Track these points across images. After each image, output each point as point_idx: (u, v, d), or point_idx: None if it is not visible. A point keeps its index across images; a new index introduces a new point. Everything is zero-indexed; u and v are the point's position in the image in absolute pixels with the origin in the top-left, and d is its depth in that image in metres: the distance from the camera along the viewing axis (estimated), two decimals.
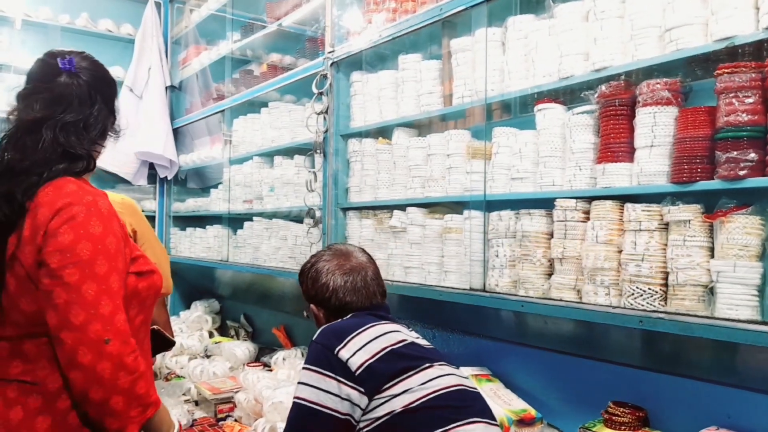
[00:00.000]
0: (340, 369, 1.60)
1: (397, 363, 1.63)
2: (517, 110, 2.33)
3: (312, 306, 1.93)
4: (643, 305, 1.77)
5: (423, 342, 1.80)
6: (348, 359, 1.61)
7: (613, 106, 1.94)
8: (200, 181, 5.04)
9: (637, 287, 1.79)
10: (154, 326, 1.80)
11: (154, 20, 5.10)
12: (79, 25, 4.96)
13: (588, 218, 1.98)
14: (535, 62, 2.19)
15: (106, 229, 1.36)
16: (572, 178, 2.04)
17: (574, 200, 2.00)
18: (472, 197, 2.34)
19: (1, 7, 4.64)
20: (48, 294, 1.30)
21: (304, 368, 1.67)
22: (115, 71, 5.02)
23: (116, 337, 1.30)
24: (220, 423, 3.19)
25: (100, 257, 1.32)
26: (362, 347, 1.63)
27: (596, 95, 2.00)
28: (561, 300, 1.98)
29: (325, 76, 3.11)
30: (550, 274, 2.08)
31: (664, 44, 1.84)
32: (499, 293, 2.17)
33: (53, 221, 1.32)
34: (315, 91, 3.12)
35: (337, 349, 1.64)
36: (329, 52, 3.11)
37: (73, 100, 1.47)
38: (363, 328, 1.69)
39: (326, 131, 3.10)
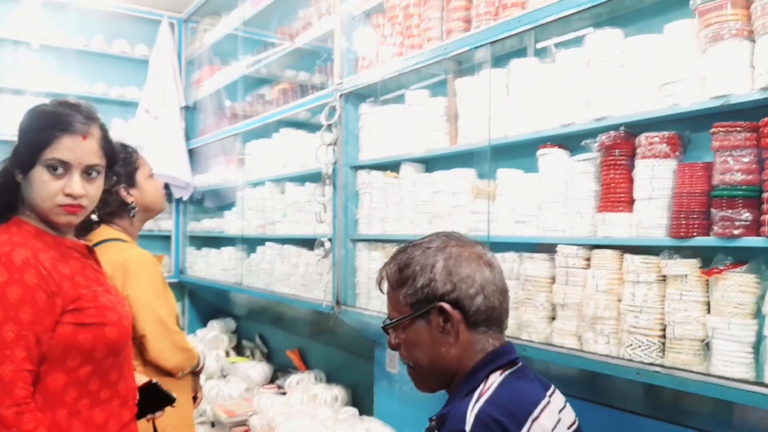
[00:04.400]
0: None
1: None
2: (521, 152, 2.36)
3: (445, 307, 1.31)
4: (641, 356, 1.80)
5: (573, 417, 1.38)
6: None
7: (613, 156, 1.97)
8: (217, 200, 5.10)
9: (635, 338, 1.82)
10: (154, 380, 1.80)
11: (169, 40, 5.16)
12: (95, 48, 5.05)
13: (589, 265, 2.01)
14: (537, 107, 2.22)
15: (11, 280, 1.39)
16: (573, 224, 2.07)
17: (575, 247, 2.04)
18: (476, 238, 2.37)
19: (19, 31, 4.74)
20: None
21: None
22: (130, 92, 5.14)
23: None
24: None
25: None
26: None
27: (597, 144, 2.02)
28: (562, 347, 2.01)
29: (334, 108, 3.16)
30: (553, 318, 2.12)
31: (662, 97, 1.87)
32: None
33: None
34: (324, 122, 3.17)
35: None
36: (338, 84, 3.15)
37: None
38: (535, 416, 1.23)
39: (335, 162, 3.15)
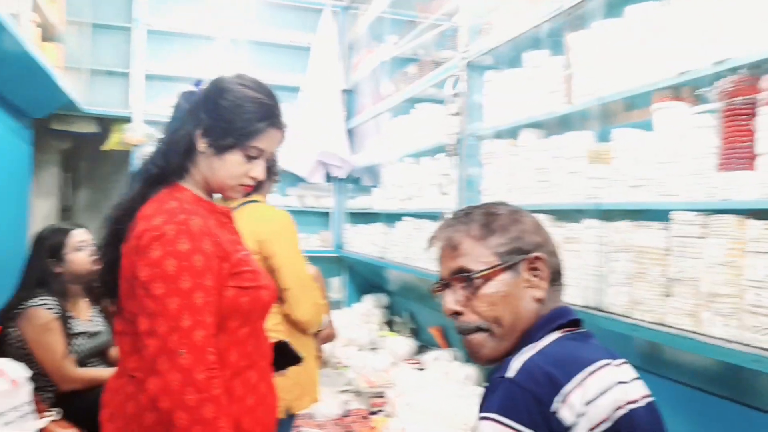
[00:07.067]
0: None
1: None
2: (637, 109, 2.10)
3: (543, 257, 1.23)
4: (761, 341, 1.51)
5: (645, 391, 1.17)
6: (570, 428, 1.05)
7: (734, 105, 1.67)
8: (371, 179, 5.26)
9: (758, 319, 1.53)
10: (283, 340, 1.81)
11: (331, 27, 5.38)
12: (260, 37, 5.35)
13: (707, 233, 1.73)
14: (653, 55, 1.95)
15: (194, 248, 1.40)
16: (691, 187, 1.80)
17: (693, 213, 1.76)
18: (589, 206, 2.16)
19: (200, 27, 5.20)
20: (140, 302, 1.39)
21: (490, 419, 1.07)
22: (294, 78, 5.35)
23: (191, 352, 1.34)
24: (372, 416, 3.31)
25: (185, 274, 1.38)
26: (587, 405, 1.06)
27: (717, 92, 1.73)
28: (673, 327, 1.76)
29: (457, 78, 3.06)
30: (667, 295, 1.86)
31: None
32: (613, 313, 1.99)
33: (145, 236, 1.40)
34: (448, 93, 3.09)
35: (555, 405, 1.06)
36: (462, 53, 3.05)
37: (173, 119, 1.56)
38: (590, 370, 1.10)
39: (459, 133, 3.06)
